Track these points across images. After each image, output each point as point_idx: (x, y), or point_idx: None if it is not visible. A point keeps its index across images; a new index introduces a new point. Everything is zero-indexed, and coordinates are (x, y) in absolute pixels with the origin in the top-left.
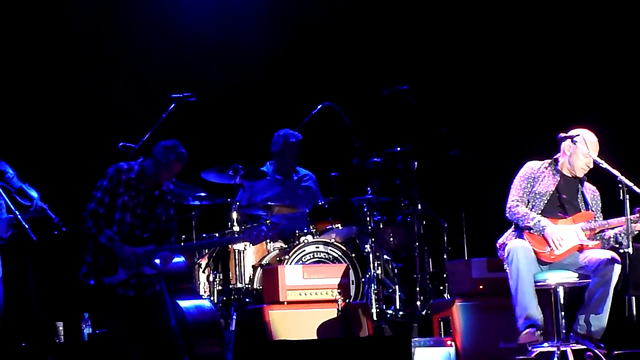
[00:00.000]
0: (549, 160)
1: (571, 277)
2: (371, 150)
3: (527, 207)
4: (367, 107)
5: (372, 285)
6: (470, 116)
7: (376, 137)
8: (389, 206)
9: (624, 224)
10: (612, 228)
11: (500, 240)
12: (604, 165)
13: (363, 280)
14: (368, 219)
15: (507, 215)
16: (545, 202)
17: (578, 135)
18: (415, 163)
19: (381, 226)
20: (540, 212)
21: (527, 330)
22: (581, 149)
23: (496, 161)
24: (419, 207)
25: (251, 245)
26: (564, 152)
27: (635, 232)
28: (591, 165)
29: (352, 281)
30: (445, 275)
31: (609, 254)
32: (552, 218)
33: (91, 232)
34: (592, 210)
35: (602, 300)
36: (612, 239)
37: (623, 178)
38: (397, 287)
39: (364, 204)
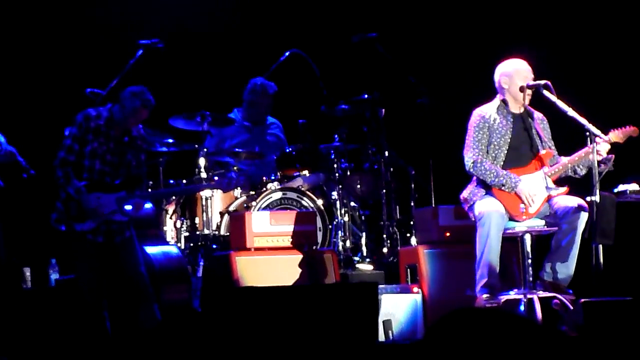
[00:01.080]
0: (497, 103)
1: (538, 224)
2: (339, 98)
3: (489, 159)
4: (336, 55)
5: (340, 232)
6: (439, 64)
7: (344, 85)
8: (356, 154)
9: (583, 158)
10: (574, 164)
11: (464, 194)
12: (571, 113)
13: (330, 227)
14: (335, 166)
15: (472, 171)
16: (505, 152)
17: (507, 65)
18: (383, 111)
19: (348, 174)
20: (502, 164)
21: (484, 296)
22: (515, 72)
23: (464, 109)
24: (387, 154)
25: (222, 192)
26: (501, 88)
27: (599, 160)
28: (531, 81)
29: (320, 228)
30: (412, 223)
31: (576, 201)
32: (514, 169)
33: (60, 183)
34: (549, 146)
35: (569, 247)
36: (569, 171)
37: (590, 126)
38: (364, 234)
39: (332, 152)
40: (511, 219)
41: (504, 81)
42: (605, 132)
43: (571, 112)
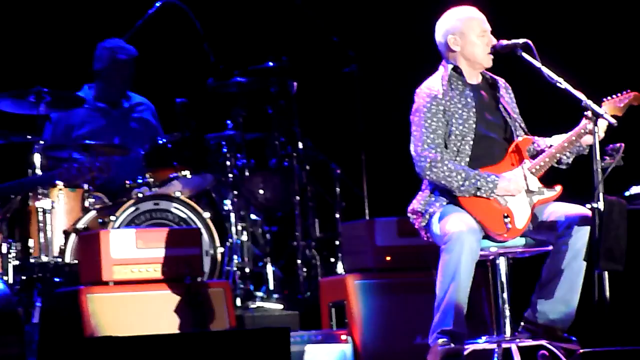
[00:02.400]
0: (446, 74)
1: (517, 243)
2: (233, 67)
3: (451, 156)
4: (228, 7)
5: (235, 257)
6: (373, 18)
7: (240, 49)
8: (258, 146)
9: (574, 143)
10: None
11: (416, 205)
12: (564, 84)
13: (222, 250)
14: (229, 163)
15: (429, 174)
16: (471, 143)
17: (452, 17)
18: (295, 84)
19: (247, 174)
20: (468, 162)
21: (441, 341)
22: (467, 25)
23: (410, 81)
24: (301, 146)
25: (64, 186)
26: (450, 50)
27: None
28: (493, 40)
29: (207, 252)
30: (338, 243)
31: (578, 209)
32: (485, 168)
33: None
34: (523, 128)
35: (569, 276)
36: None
37: (589, 102)
38: (269, 259)
39: (223, 143)
40: (485, 237)
41: (452, 41)
42: (598, 104)
43: (563, 83)
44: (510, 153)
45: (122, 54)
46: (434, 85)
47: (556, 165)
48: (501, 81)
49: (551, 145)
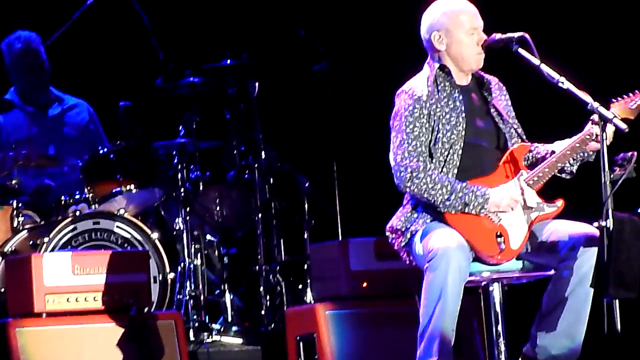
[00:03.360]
0: (432, 74)
1: (513, 267)
2: (185, 65)
3: (436, 167)
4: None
5: (188, 283)
6: (346, 9)
7: (194, 44)
8: (214, 155)
9: (578, 150)
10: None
11: (395, 222)
12: (566, 84)
13: (172, 276)
14: (180, 176)
15: (409, 186)
16: (460, 153)
17: (438, 10)
18: (257, 85)
19: (202, 188)
20: (456, 174)
21: None
22: (454, 20)
23: (389, 81)
24: (263, 156)
25: None
26: (435, 49)
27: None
28: (483, 35)
29: (155, 278)
30: (306, 267)
31: (583, 227)
32: (475, 179)
33: None
34: (519, 134)
35: (574, 306)
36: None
37: (596, 104)
38: (227, 286)
39: (174, 153)
40: (476, 259)
41: (437, 38)
42: (606, 106)
43: (566, 82)
44: (504, 163)
45: (17, 43)
46: (417, 86)
47: (558, 175)
48: (494, 81)
49: (552, 153)
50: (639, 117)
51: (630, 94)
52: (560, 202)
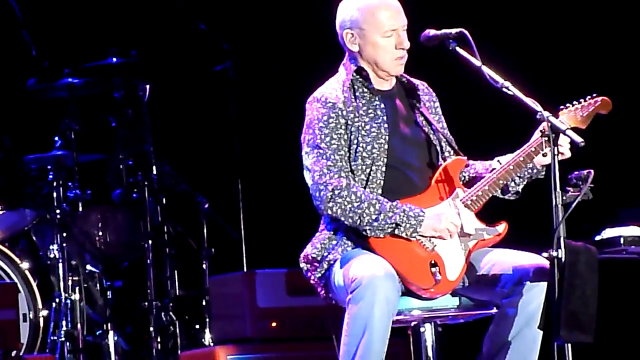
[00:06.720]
0: (348, 76)
1: (448, 304)
2: (62, 64)
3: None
4: None
5: (64, 322)
6: (252, 4)
7: (73, 39)
8: (97, 171)
9: (523, 165)
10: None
11: (310, 251)
12: (512, 89)
13: (46, 313)
14: (56, 195)
15: (330, 207)
16: (384, 169)
17: (353, 7)
18: (148, 88)
19: (81, 209)
20: (380, 194)
21: None
22: (369, 17)
23: (302, 84)
24: (155, 172)
25: None
26: (350, 51)
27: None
28: (405, 44)
29: (25, 315)
30: (204, 303)
31: (532, 259)
32: (403, 200)
33: None
34: (452, 146)
35: (520, 349)
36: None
37: (546, 113)
38: (111, 325)
39: (49, 167)
40: (407, 294)
41: (349, 38)
42: (554, 114)
43: (511, 88)
44: (437, 181)
45: None
46: (331, 92)
47: (501, 196)
48: (422, 85)
49: (493, 169)
50: (598, 129)
51: (582, 100)
52: (502, 227)
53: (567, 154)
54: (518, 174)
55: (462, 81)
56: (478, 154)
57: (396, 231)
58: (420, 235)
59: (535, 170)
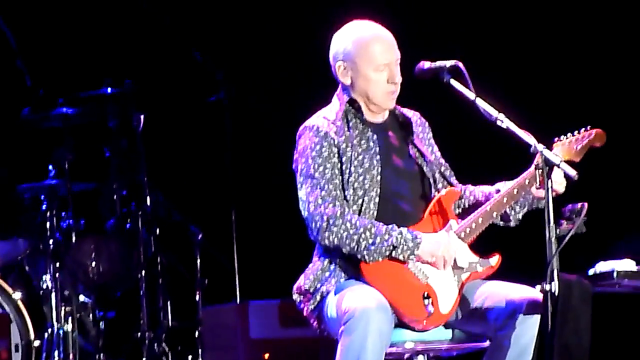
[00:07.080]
0: (341, 107)
1: (441, 337)
2: (57, 93)
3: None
4: (51, 11)
5: (57, 353)
6: (248, 32)
7: (68, 68)
8: (90, 200)
9: (520, 194)
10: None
11: (303, 282)
12: (506, 122)
13: (38, 343)
14: (50, 224)
15: (326, 236)
16: (377, 200)
17: (346, 36)
18: (142, 118)
19: (75, 239)
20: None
21: None
22: (360, 50)
23: (296, 115)
24: (149, 202)
25: None
26: (343, 83)
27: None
28: (397, 78)
29: (17, 346)
30: (197, 335)
31: (525, 292)
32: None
33: None
34: (446, 178)
35: None
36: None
37: (540, 146)
38: (103, 356)
39: (42, 197)
40: (400, 325)
41: (341, 70)
42: (548, 146)
43: (506, 121)
44: (431, 213)
45: None
46: (323, 121)
47: (502, 224)
48: (415, 116)
49: (497, 191)
50: (593, 161)
51: (576, 133)
52: (495, 259)
53: (561, 189)
54: (516, 204)
55: (458, 110)
56: (475, 183)
57: (394, 253)
58: (416, 260)
59: (535, 200)
